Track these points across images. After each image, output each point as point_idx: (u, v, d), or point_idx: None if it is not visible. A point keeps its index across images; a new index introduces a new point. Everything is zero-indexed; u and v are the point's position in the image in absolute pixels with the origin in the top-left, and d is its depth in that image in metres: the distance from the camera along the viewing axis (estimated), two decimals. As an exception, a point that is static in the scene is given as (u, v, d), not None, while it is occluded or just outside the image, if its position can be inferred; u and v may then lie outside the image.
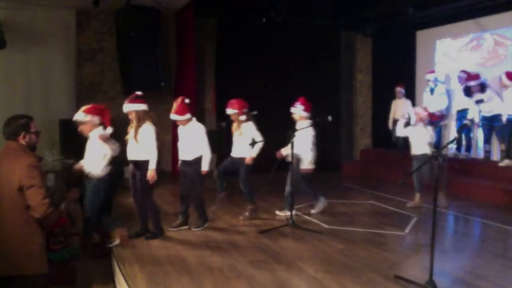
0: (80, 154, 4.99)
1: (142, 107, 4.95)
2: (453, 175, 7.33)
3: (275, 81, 10.01)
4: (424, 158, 6.13)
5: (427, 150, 6.34)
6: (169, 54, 9.28)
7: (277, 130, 6.00)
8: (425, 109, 6.72)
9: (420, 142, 6.43)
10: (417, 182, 6.51)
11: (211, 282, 3.85)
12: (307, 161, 5.89)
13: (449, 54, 9.09)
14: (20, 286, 3.02)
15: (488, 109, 7.60)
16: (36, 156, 3.20)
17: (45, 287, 3.18)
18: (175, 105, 5.24)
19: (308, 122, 5.95)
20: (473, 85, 7.58)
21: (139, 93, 5.05)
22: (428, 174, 6.31)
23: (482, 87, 7.53)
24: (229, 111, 5.82)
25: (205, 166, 5.26)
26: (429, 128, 6.48)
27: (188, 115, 5.25)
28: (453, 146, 8.44)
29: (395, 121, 8.98)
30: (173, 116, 5.24)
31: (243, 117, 5.78)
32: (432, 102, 8.77)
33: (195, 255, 4.52)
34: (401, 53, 9.94)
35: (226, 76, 9.56)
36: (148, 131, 4.88)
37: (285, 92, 9.98)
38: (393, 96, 9.20)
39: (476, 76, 7.61)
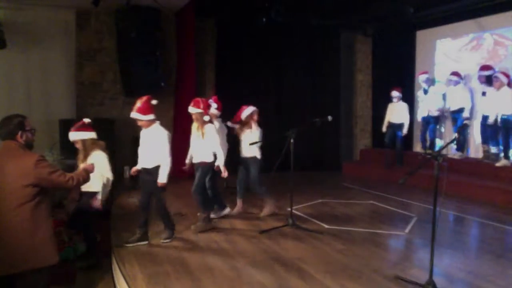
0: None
1: (90, 135, 4.67)
2: (453, 175, 7.34)
3: (275, 81, 10.02)
4: (253, 160, 5.93)
5: (256, 152, 5.93)
6: (169, 54, 9.28)
7: (277, 130, 6.02)
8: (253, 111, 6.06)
9: (247, 144, 5.94)
10: (260, 190, 6.06)
11: (211, 282, 3.85)
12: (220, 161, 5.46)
13: (449, 54, 9.10)
14: (26, 281, 3.03)
15: (485, 107, 7.71)
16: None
17: (47, 284, 3.17)
18: (138, 103, 4.76)
19: (220, 120, 5.99)
20: (481, 75, 7.77)
21: (86, 120, 4.74)
22: (255, 177, 5.96)
23: (488, 80, 7.68)
24: (192, 109, 5.25)
25: (162, 178, 4.73)
26: (255, 130, 5.96)
27: (150, 116, 4.75)
28: (453, 146, 8.46)
29: (390, 125, 8.99)
30: (133, 115, 4.74)
31: (207, 118, 5.28)
32: (426, 101, 8.91)
33: (195, 255, 4.52)
34: (401, 53, 9.95)
35: (226, 76, 9.57)
36: (97, 159, 4.54)
37: (285, 92, 10.02)
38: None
39: (486, 67, 7.78)
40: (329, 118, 5.77)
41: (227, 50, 9.58)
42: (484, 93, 7.82)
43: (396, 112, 8.92)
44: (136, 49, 8.36)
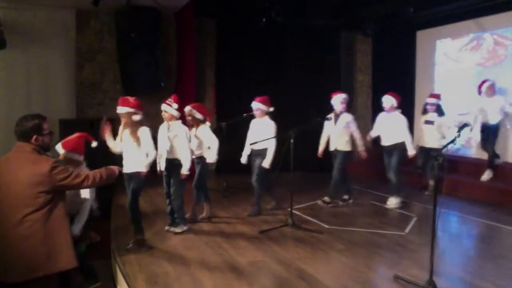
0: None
1: None
2: (453, 175, 7.33)
3: (275, 81, 10.01)
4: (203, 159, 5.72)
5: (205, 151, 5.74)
6: (169, 54, 9.28)
7: (277, 130, 6.01)
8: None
9: (205, 145, 5.73)
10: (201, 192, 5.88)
11: (211, 282, 3.85)
12: (186, 167, 5.06)
13: (449, 54, 9.10)
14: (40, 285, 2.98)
15: (427, 138, 7.26)
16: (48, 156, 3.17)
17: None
18: (72, 136, 4.24)
19: (180, 122, 5.14)
20: (430, 103, 7.20)
21: None
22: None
23: (439, 110, 7.19)
24: (121, 109, 4.74)
25: (75, 228, 3.85)
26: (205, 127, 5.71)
27: (73, 155, 4.14)
28: (453, 146, 8.43)
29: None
30: (57, 146, 4.13)
31: (137, 117, 4.70)
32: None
33: (195, 255, 4.52)
34: (401, 53, 9.94)
35: (226, 76, 9.57)
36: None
37: (285, 92, 10.00)
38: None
39: (435, 96, 7.34)
40: (329, 118, 5.77)
41: (227, 50, 9.58)
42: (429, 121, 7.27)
43: (258, 132, 6.12)
44: (136, 49, 8.37)
